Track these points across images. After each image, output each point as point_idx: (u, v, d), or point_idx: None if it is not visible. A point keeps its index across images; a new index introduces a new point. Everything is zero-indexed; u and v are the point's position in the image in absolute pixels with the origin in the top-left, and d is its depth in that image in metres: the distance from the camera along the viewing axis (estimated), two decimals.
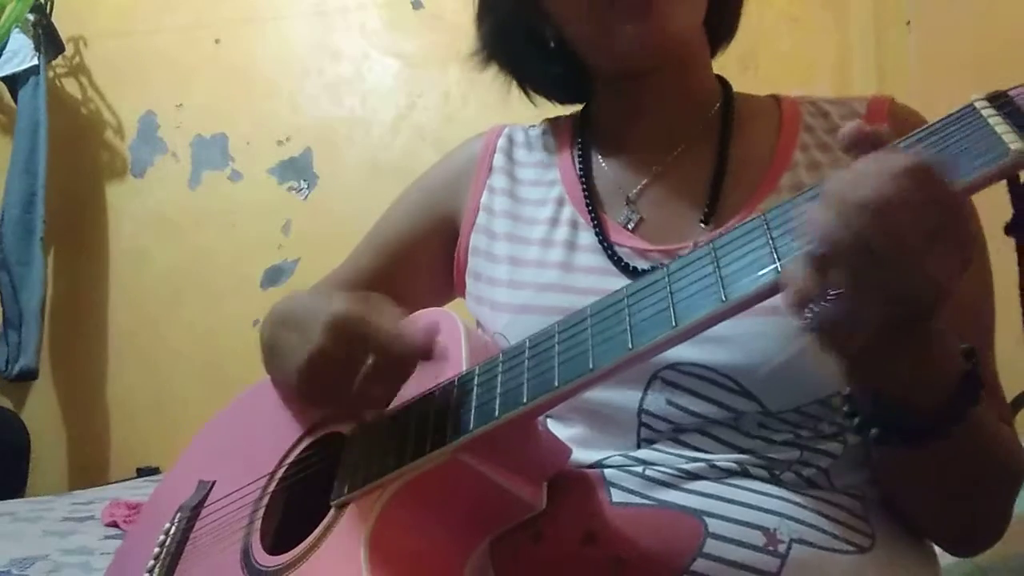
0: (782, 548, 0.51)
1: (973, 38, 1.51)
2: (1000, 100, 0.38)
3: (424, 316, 0.63)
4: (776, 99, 0.72)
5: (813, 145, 0.66)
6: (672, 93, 0.69)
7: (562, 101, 0.79)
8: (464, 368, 0.55)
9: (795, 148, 0.66)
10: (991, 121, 0.37)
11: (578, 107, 0.79)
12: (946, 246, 0.36)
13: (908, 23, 1.79)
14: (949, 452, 0.48)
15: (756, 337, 0.55)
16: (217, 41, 2.52)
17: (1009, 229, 0.39)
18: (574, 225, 0.67)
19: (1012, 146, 0.36)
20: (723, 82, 0.73)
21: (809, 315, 0.37)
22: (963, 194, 0.37)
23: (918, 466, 0.52)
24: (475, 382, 0.53)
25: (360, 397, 0.55)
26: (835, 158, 0.65)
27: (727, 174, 0.65)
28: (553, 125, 0.79)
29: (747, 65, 2.06)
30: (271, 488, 0.65)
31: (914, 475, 0.53)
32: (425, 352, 0.55)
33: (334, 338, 0.54)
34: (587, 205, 0.68)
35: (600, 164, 0.71)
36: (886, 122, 0.63)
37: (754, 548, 0.51)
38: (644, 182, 0.68)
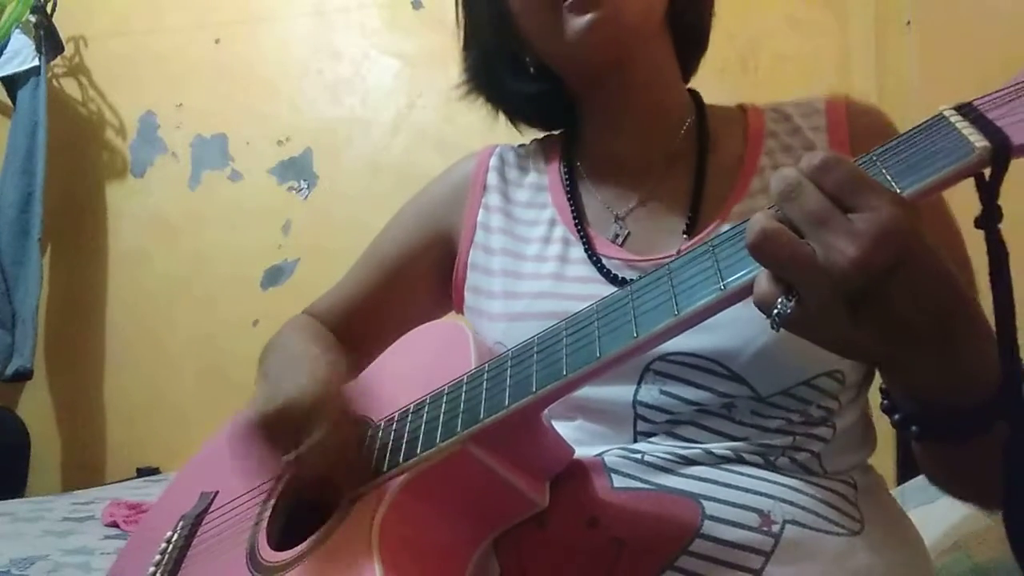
0: (776, 528, 0.54)
1: (973, 38, 1.51)
2: (966, 108, 0.41)
3: (430, 328, 0.66)
4: (742, 108, 0.76)
5: (777, 149, 0.70)
6: (644, 110, 0.72)
7: (544, 127, 0.83)
8: (473, 367, 0.57)
9: (761, 154, 0.70)
10: (959, 126, 0.40)
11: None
12: (846, 220, 0.39)
13: (908, 23, 1.80)
14: (989, 444, 0.48)
15: (738, 321, 0.58)
16: (217, 41, 2.52)
17: (979, 223, 0.41)
18: (566, 242, 0.71)
19: (977, 145, 0.39)
20: (695, 96, 0.77)
21: (773, 316, 0.41)
22: (931, 193, 0.40)
23: (956, 457, 0.52)
24: (484, 377, 0.54)
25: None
26: (798, 158, 0.67)
27: (704, 188, 0.69)
28: (542, 146, 0.82)
29: (747, 65, 2.06)
30: (278, 489, 0.65)
31: (951, 464, 0.54)
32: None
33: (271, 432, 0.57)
34: (575, 223, 0.71)
35: (588, 185, 0.75)
36: (844, 121, 0.68)
37: (749, 528, 0.54)
38: (631, 204, 0.72)
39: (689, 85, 0.78)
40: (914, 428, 0.46)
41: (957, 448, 0.48)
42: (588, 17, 0.64)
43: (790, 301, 0.40)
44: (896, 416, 0.48)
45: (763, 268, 0.41)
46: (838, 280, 0.38)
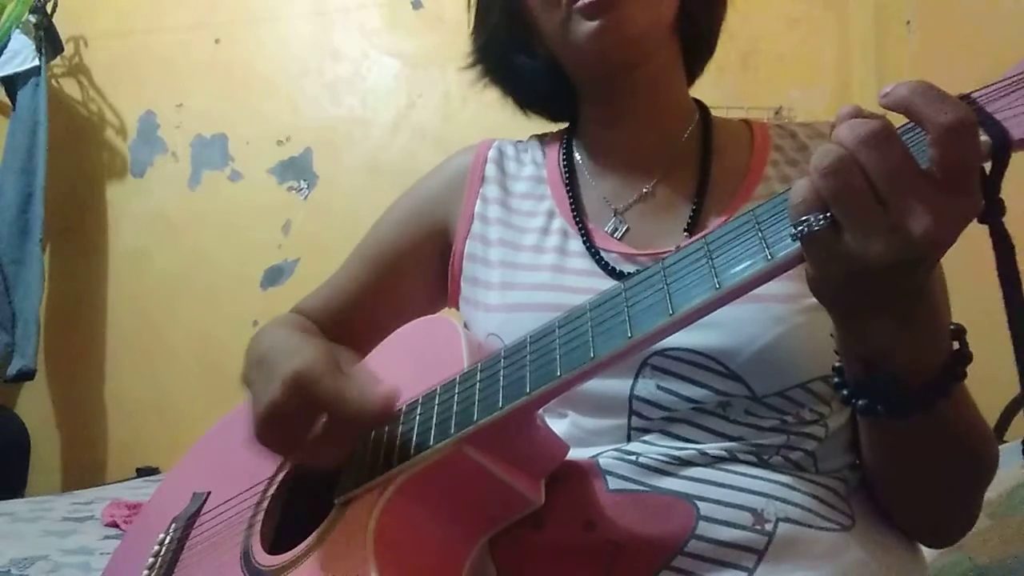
0: (769, 527, 0.54)
1: (973, 38, 1.51)
2: (964, 102, 0.41)
3: (421, 323, 0.65)
4: (747, 123, 0.77)
5: (783, 161, 0.70)
6: (647, 109, 0.73)
7: (549, 114, 0.82)
8: (465, 366, 0.56)
9: (767, 163, 0.70)
10: None
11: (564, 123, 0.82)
12: (941, 193, 0.39)
13: (908, 23, 1.80)
14: (931, 428, 0.50)
15: (741, 321, 0.58)
16: (217, 41, 2.52)
17: (982, 218, 0.41)
18: (564, 234, 0.71)
19: None
20: (701, 105, 0.77)
21: (801, 225, 0.40)
22: None
23: (900, 440, 0.54)
24: (478, 377, 0.54)
25: (311, 454, 0.56)
26: (804, 171, 0.68)
27: (708, 189, 0.70)
28: (541, 141, 0.82)
29: (747, 65, 2.06)
30: (271, 492, 0.65)
31: (895, 450, 0.56)
32: (380, 419, 0.54)
33: (290, 395, 0.54)
34: (574, 216, 0.71)
35: (588, 179, 0.75)
36: None
37: (743, 528, 0.54)
38: (631, 199, 0.72)
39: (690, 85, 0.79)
40: (860, 402, 0.48)
41: (900, 425, 0.49)
42: (596, 23, 0.65)
43: (823, 220, 0.40)
44: (844, 392, 0.49)
45: (810, 180, 0.41)
46: (900, 243, 0.39)
